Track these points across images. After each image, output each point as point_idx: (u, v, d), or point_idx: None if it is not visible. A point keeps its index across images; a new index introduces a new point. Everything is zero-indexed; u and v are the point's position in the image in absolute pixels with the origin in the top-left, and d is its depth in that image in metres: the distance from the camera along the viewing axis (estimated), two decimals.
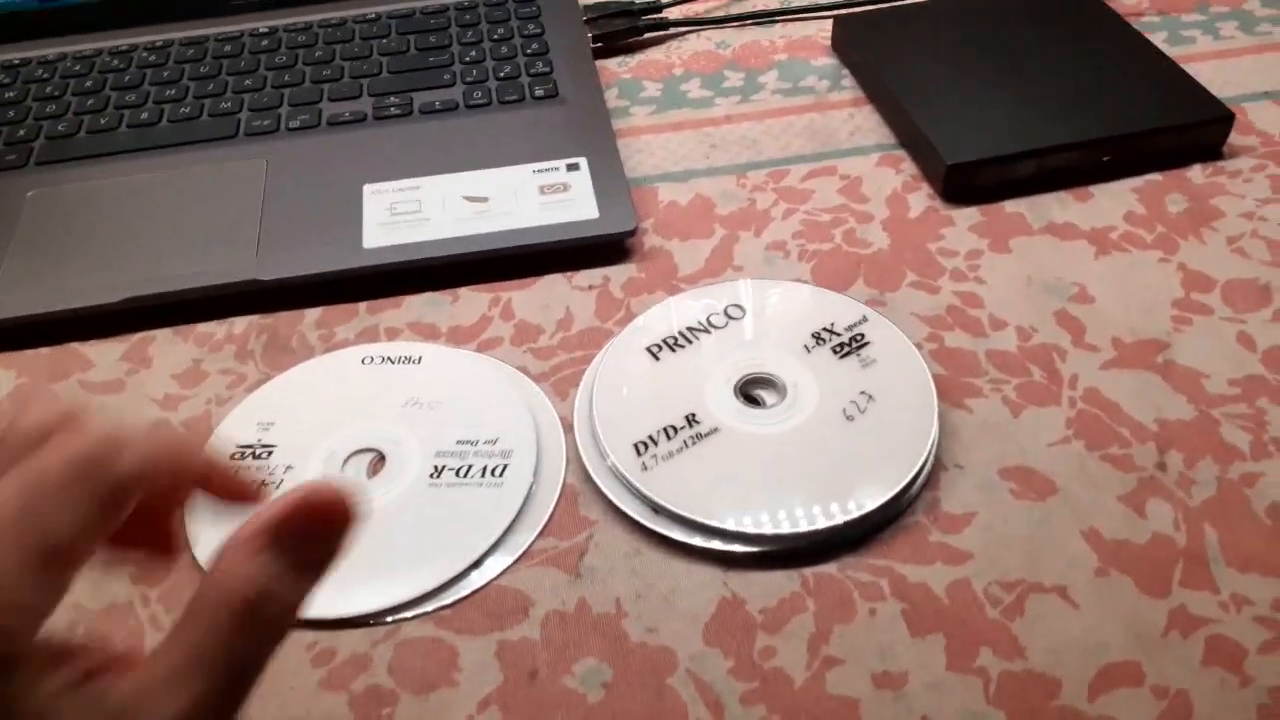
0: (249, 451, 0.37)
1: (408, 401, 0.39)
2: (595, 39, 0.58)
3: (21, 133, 0.51)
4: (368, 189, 0.47)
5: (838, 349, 0.39)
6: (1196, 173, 0.47)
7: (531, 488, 0.36)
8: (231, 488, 0.22)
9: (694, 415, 0.36)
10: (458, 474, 0.36)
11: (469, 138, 0.50)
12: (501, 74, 0.54)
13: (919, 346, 0.39)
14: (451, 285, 0.44)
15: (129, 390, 0.41)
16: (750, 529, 0.33)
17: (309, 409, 0.39)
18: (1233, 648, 0.31)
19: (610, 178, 0.47)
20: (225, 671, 0.18)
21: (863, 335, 0.39)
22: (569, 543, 0.34)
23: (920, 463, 0.35)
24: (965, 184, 0.46)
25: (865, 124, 0.52)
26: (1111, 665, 0.30)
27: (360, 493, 0.22)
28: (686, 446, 0.36)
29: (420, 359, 0.40)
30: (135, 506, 0.19)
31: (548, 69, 0.54)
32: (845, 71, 0.55)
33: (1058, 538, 0.34)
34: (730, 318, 0.40)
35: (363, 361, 0.40)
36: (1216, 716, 0.29)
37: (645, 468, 0.35)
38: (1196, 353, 0.39)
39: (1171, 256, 0.43)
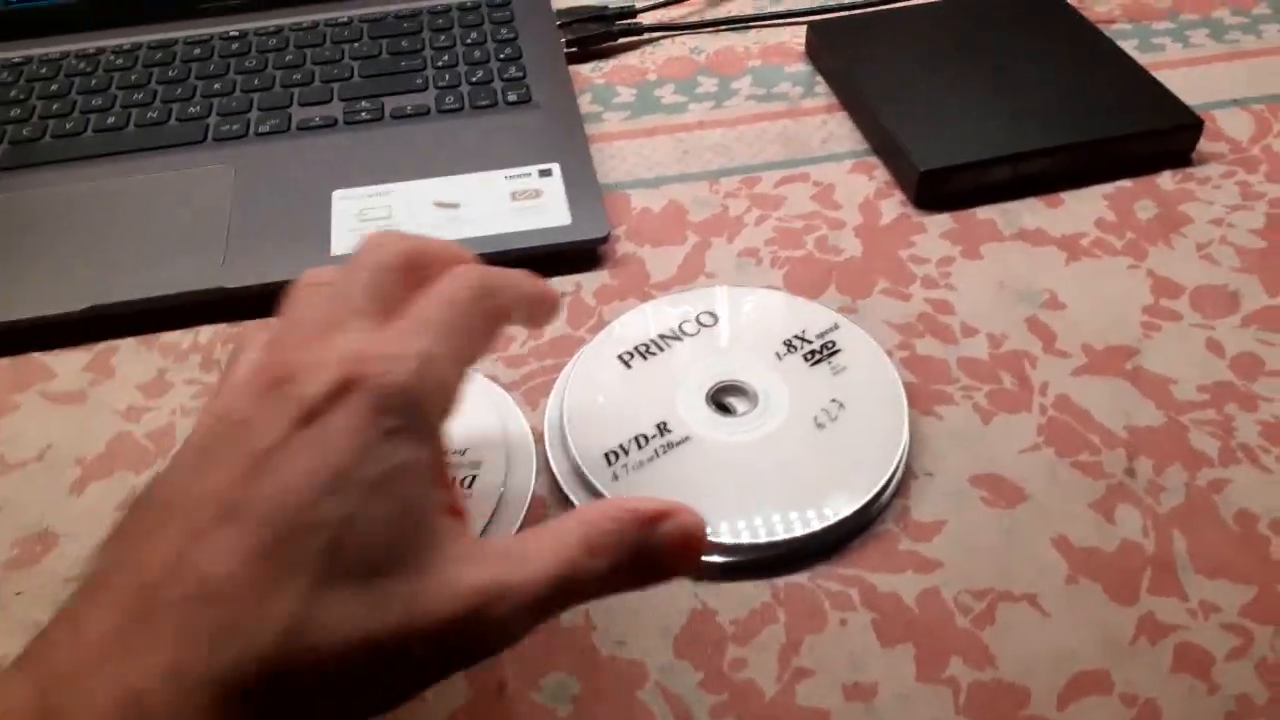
0: None
1: None
2: (569, 44, 0.58)
3: None
4: (337, 195, 0.46)
5: (809, 356, 0.38)
6: (1166, 179, 0.48)
7: (501, 498, 0.35)
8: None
9: (665, 424, 0.36)
10: None
11: (440, 143, 0.49)
12: (474, 79, 0.53)
13: (890, 354, 0.39)
14: None
15: (91, 401, 0.40)
16: (721, 539, 0.33)
17: None
18: (1201, 655, 0.31)
19: (583, 184, 0.46)
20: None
21: (834, 343, 0.39)
22: None
23: (891, 471, 0.35)
24: (938, 190, 0.46)
25: (838, 130, 0.52)
26: (1081, 674, 0.30)
27: None
28: (658, 455, 0.35)
29: None
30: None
31: (521, 74, 0.54)
32: (819, 78, 0.55)
33: (1028, 545, 0.34)
34: (702, 325, 0.40)
35: None
36: None
37: (616, 477, 0.35)
38: (1166, 359, 0.39)
39: (1141, 263, 0.44)
